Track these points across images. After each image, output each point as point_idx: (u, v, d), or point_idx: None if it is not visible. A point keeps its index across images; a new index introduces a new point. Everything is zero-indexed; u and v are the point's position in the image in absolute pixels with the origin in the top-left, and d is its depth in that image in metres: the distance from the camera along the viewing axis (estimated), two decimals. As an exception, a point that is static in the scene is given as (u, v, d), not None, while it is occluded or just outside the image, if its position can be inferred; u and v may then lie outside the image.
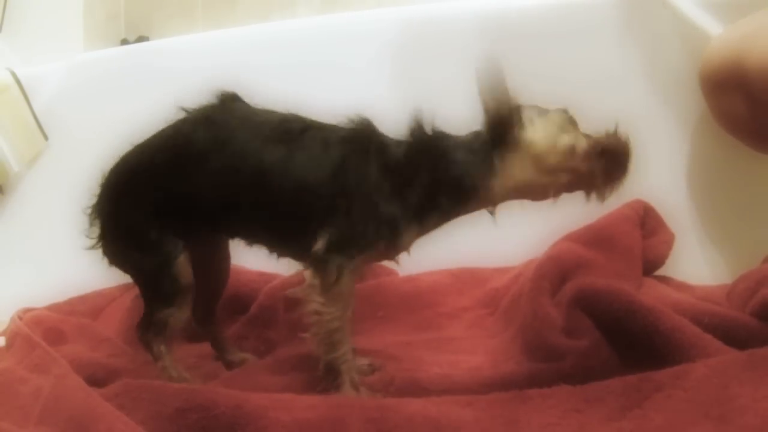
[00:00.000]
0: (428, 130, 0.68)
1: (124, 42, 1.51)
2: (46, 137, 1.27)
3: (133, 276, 0.77)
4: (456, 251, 0.78)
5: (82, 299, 1.10)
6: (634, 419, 0.55)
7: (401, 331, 0.92)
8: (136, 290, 0.78)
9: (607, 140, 0.66)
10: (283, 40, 1.24)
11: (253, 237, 0.74)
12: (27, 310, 0.99)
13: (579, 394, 0.60)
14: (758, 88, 0.82)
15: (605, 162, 0.66)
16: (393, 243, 0.67)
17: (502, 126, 0.65)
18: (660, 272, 0.97)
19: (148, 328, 0.74)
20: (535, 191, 0.68)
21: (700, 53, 0.95)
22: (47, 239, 1.22)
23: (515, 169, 0.66)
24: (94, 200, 0.77)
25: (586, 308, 0.72)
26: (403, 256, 0.71)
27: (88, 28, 1.46)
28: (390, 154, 0.68)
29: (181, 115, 0.73)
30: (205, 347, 0.87)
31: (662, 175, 1.04)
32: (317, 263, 0.66)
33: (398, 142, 0.69)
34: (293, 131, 0.69)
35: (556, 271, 0.85)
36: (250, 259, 0.83)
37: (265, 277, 0.99)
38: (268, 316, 0.93)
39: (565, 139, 0.66)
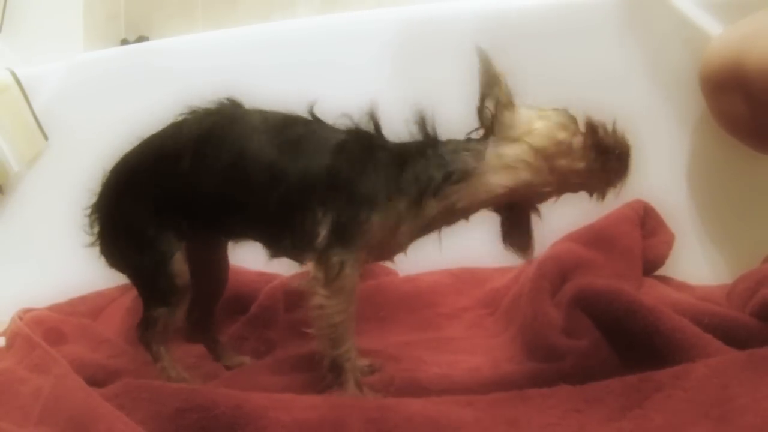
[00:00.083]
0: (429, 129, 0.68)
1: (124, 42, 1.51)
2: (46, 137, 1.27)
3: (130, 275, 0.77)
4: (456, 251, 0.78)
5: (83, 299, 1.10)
6: (634, 419, 0.55)
7: (401, 331, 0.92)
8: (136, 291, 0.78)
9: (608, 139, 0.66)
10: (283, 40, 1.24)
11: (252, 236, 0.74)
12: (27, 311, 0.99)
13: (579, 394, 0.60)
14: (758, 88, 0.82)
15: (605, 161, 0.66)
16: (392, 232, 0.67)
17: (495, 107, 0.66)
18: (660, 272, 0.97)
19: (148, 328, 0.74)
20: (536, 191, 0.68)
21: (701, 53, 0.96)
22: (47, 239, 1.22)
23: (512, 163, 0.66)
24: (94, 200, 0.77)
25: (586, 308, 0.72)
26: (401, 257, 0.71)
27: (88, 28, 1.46)
28: (388, 149, 0.69)
29: (182, 114, 0.73)
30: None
31: (662, 175, 1.04)
32: (319, 256, 0.66)
33: (397, 143, 0.69)
34: (294, 131, 0.70)
35: (556, 271, 0.85)
36: (250, 259, 0.83)
37: (265, 277, 0.99)
38: (268, 317, 0.93)
39: (566, 139, 0.66)
